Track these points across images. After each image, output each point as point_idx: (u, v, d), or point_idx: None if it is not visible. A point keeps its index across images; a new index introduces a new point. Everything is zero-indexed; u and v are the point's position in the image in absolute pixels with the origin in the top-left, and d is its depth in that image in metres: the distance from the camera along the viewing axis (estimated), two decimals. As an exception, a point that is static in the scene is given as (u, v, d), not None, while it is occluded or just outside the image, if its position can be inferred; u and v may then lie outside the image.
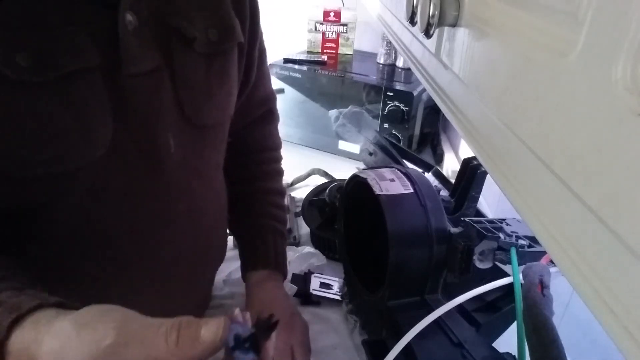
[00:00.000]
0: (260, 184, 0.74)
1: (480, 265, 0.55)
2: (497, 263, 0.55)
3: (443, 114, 0.45)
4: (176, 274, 0.57)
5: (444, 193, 0.81)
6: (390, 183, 0.63)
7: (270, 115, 0.76)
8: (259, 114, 0.73)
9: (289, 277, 0.77)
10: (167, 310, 0.36)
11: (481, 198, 0.78)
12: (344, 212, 0.77)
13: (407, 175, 0.65)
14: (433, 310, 0.53)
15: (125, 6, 0.42)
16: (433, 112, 1.28)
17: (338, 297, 0.76)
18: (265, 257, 0.69)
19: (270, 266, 0.69)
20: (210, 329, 0.31)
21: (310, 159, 1.23)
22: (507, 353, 0.54)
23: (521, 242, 0.53)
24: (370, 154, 1.04)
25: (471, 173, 0.73)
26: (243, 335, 0.33)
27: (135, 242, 0.50)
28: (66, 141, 0.41)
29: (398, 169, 0.68)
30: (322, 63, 1.34)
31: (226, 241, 0.75)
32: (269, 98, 0.74)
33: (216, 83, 0.54)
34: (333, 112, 1.27)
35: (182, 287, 0.60)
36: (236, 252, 0.90)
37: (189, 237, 0.57)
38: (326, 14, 1.42)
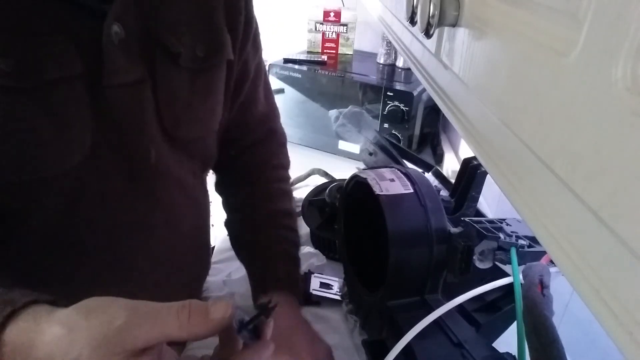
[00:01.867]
0: (267, 205, 0.69)
1: (480, 265, 0.55)
2: (497, 263, 0.55)
3: (443, 114, 0.45)
4: (153, 281, 0.57)
5: (444, 193, 0.81)
6: (390, 183, 0.63)
7: (273, 134, 0.73)
8: (261, 133, 0.71)
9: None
10: None
11: (481, 198, 0.78)
12: (344, 212, 0.77)
13: (407, 175, 0.65)
14: (433, 310, 0.53)
15: (112, 17, 0.42)
16: (433, 112, 1.28)
17: (338, 297, 0.76)
18: (276, 281, 0.63)
19: (284, 290, 0.63)
20: (219, 308, 0.32)
21: (310, 159, 1.23)
22: (507, 353, 0.54)
23: (521, 242, 0.53)
24: (370, 154, 1.04)
25: (471, 173, 0.73)
26: (246, 318, 0.36)
27: (110, 250, 0.51)
28: (44, 147, 0.41)
29: (398, 169, 0.68)
30: (322, 63, 1.34)
31: (208, 252, 0.74)
32: (269, 116, 0.72)
33: (199, 98, 0.53)
34: (333, 112, 1.27)
35: (160, 295, 0.59)
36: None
37: (167, 246, 0.57)
38: (326, 14, 1.42)
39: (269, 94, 0.70)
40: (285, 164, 0.75)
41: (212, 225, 0.73)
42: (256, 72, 0.64)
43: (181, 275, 0.65)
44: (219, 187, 0.74)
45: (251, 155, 0.70)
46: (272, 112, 0.72)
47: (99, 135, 0.45)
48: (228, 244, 0.92)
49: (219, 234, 0.98)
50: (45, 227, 0.46)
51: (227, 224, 0.72)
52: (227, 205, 0.73)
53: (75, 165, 0.44)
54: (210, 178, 0.69)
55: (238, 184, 0.70)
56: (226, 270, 0.84)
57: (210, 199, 0.70)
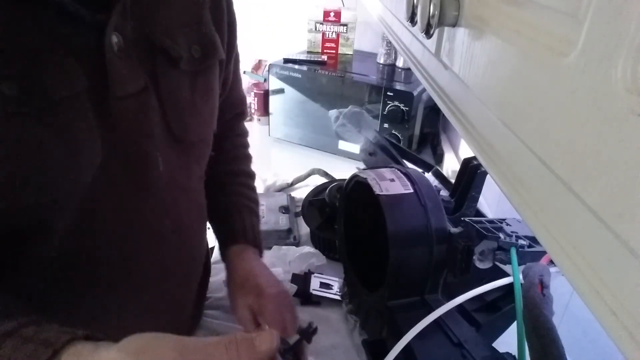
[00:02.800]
0: (230, 167, 0.75)
1: (480, 265, 0.55)
2: (497, 263, 0.55)
3: (443, 114, 0.45)
4: (164, 290, 0.57)
5: (444, 193, 0.81)
6: (390, 183, 0.63)
7: (241, 115, 0.78)
8: (232, 115, 0.75)
9: (289, 277, 0.77)
10: (158, 326, 0.36)
11: (481, 198, 0.78)
12: (344, 212, 0.77)
13: (407, 175, 0.65)
14: (433, 310, 0.53)
15: (111, 27, 0.41)
16: (433, 112, 1.28)
17: (338, 297, 0.76)
18: (242, 231, 0.69)
19: (248, 240, 0.69)
20: (265, 340, 0.34)
21: (310, 159, 1.23)
22: (507, 353, 0.54)
23: (521, 242, 0.53)
24: (370, 154, 1.04)
25: (471, 173, 0.73)
26: (286, 345, 0.38)
27: (123, 261, 0.50)
28: (55, 169, 0.40)
29: (398, 169, 0.68)
30: (322, 63, 1.34)
31: (208, 255, 0.75)
32: (242, 101, 0.76)
33: (201, 99, 0.54)
34: (333, 112, 1.27)
35: (170, 302, 0.60)
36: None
37: (175, 252, 0.57)
38: (326, 14, 1.42)
39: (241, 80, 0.75)
40: (244, 132, 0.80)
41: (209, 228, 0.73)
42: (235, 62, 0.67)
43: (190, 281, 0.65)
44: None
45: (220, 129, 0.71)
46: (244, 97, 0.77)
47: (108, 150, 0.44)
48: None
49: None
50: (59, 246, 0.45)
51: None
52: None
53: (86, 183, 0.43)
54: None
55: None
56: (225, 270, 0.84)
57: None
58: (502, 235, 0.54)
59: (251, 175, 0.78)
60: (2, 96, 0.36)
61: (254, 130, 1.47)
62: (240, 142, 0.79)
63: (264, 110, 1.46)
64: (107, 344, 0.33)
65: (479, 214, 0.79)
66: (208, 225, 0.73)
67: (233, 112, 0.74)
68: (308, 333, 0.42)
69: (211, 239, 1.03)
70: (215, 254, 0.92)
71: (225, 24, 0.58)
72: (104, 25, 0.41)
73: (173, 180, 0.53)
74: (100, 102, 0.42)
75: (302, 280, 0.76)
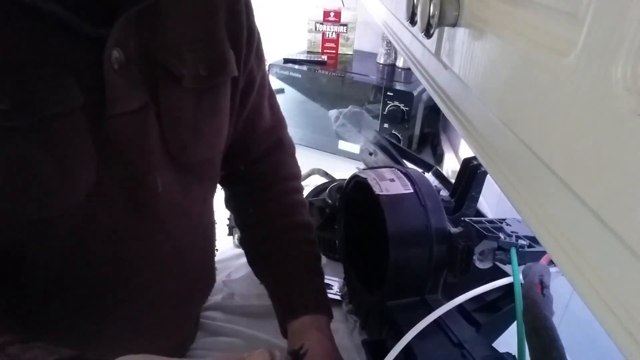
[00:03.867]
0: (282, 221, 0.66)
1: (480, 265, 0.55)
2: (497, 263, 0.55)
3: (443, 114, 0.45)
4: (161, 312, 0.56)
5: (444, 193, 0.81)
6: (390, 183, 0.63)
7: (281, 145, 0.70)
8: (269, 144, 0.68)
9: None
10: (154, 346, 0.35)
11: (481, 198, 0.78)
12: (344, 212, 0.77)
13: (407, 175, 0.65)
14: (433, 310, 0.53)
15: (112, 43, 0.40)
16: (433, 112, 1.28)
17: (338, 297, 0.76)
18: (302, 301, 0.59)
19: (311, 309, 0.59)
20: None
21: (310, 159, 1.23)
22: (507, 353, 0.54)
23: (521, 242, 0.53)
24: (370, 154, 1.04)
25: (471, 173, 0.73)
26: None
27: (119, 283, 0.49)
28: (47, 186, 0.39)
29: (398, 169, 0.68)
30: (322, 63, 1.34)
31: (213, 274, 0.71)
32: (276, 127, 0.69)
33: (205, 119, 0.51)
34: (333, 112, 1.27)
35: (168, 324, 0.58)
36: (236, 252, 0.90)
37: (174, 276, 0.55)
38: (326, 14, 1.42)
39: (274, 103, 0.68)
40: (296, 174, 0.72)
41: (217, 249, 0.70)
42: (261, 83, 0.62)
43: (191, 305, 0.64)
44: (229, 203, 0.71)
45: (261, 167, 0.67)
46: (279, 123, 0.69)
47: (103, 169, 0.43)
48: (227, 244, 0.93)
49: (218, 235, 0.98)
50: (52, 266, 0.44)
51: (242, 241, 0.70)
52: (240, 223, 0.70)
53: (80, 203, 0.42)
54: (219, 194, 0.66)
55: (249, 199, 0.67)
56: (226, 270, 0.84)
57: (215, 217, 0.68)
58: (502, 235, 0.54)
59: (308, 226, 0.68)
60: None
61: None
62: (290, 186, 0.70)
63: (264, 110, 1.46)
64: None
65: (479, 214, 0.79)
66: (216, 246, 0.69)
67: (270, 138, 0.67)
68: (299, 355, 0.41)
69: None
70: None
71: (244, 37, 0.54)
72: (104, 40, 0.39)
73: (173, 202, 0.50)
74: (97, 119, 0.41)
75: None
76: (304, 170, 1.14)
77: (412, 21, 0.36)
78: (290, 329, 0.59)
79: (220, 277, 0.82)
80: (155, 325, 0.55)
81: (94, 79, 0.40)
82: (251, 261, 0.69)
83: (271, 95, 0.66)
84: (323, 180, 1.09)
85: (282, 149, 0.70)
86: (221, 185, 0.68)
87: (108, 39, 0.39)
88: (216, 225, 0.68)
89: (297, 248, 0.64)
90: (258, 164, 0.67)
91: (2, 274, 0.42)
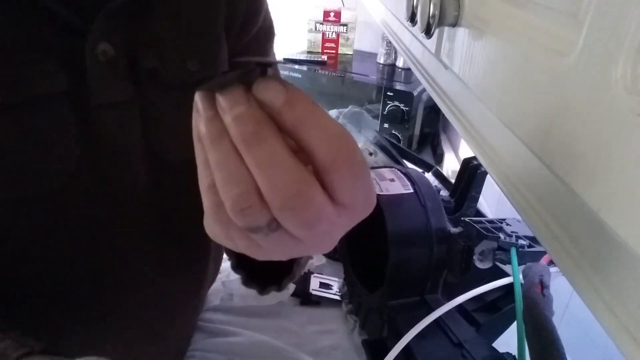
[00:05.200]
0: None
1: (480, 265, 0.55)
2: (497, 263, 0.55)
3: (443, 114, 0.45)
4: (140, 322, 0.53)
5: (444, 193, 0.81)
6: (390, 183, 0.63)
7: None
8: None
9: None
10: (138, 351, 0.34)
11: (481, 198, 0.78)
12: (344, 212, 0.77)
13: (407, 175, 0.65)
14: (433, 310, 0.53)
15: (97, 35, 0.40)
16: (433, 112, 1.28)
17: (338, 297, 0.76)
18: None
19: None
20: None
21: (310, 159, 1.23)
22: (507, 353, 0.54)
23: (521, 242, 0.53)
24: (370, 154, 1.04)
25: (471, 173, 0.73)
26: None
27: (92, 278, 0.48)
28: (26, 166, 0.39)
29: (398, 169, 0.68)
30: (322, 63, 1.34)
31: (203, 284, 0.67)
32: None
33: (188, 118, 0.49)
34: (333, 112, 1.27)
35: (148, 327, 0.55)
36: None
37: (155, 278, 0.52)
38: (326, 14, 1.42)
39: None
40: None
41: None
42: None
43: (176, 318, 0.61)
44: None
45: None
46: None
47: (84, 158, 0.42)
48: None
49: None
50: (24, 252, 0.43)
51: None
52: None
53: (57, 187, 0.41)
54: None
55: None
56: (224, 271, 0.84)
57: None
58: (502, 235, 0.54)
59: None
60: None
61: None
62: None
63: (264, 110, 1.46)
64: None
65: (479, 214, 0.79)
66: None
67: None
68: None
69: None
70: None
71: (238, 27, 0.52)
72: (89, 33, 0.40)
73: (153, 201, 0.49)
74: (80, 109, 0.41)
75: (301, 280, 0.76)
76: (304, 170, 1.14)
77: (412, 21, 0.36)
78: None
79: (219, 277, 0.82)
80: (129, 334, 0.53)
81: (80, 69, 0.40)
82: None
83: None
84: (323, 180, 1.09)
85: None
86: None
87: (91, 30, 0.40)
88: None
89: None
90: None
91: None
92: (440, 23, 0.30)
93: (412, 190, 0.62)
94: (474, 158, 0.73)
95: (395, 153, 0.98)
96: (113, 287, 0.49)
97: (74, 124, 0.41)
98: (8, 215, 0.41)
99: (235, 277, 0.80)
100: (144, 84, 0.44)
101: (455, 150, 1.27)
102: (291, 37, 1.53)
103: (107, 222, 0.46)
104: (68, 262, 0.45)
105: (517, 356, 0.44)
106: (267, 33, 0.57)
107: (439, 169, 0.96)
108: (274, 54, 0.60)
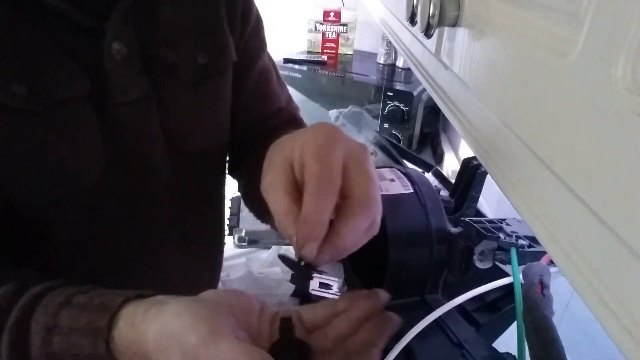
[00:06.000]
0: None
1: (480, 265, 0.55)
2: (497, 263, 0.55)
3: (443, 114, 0.45)
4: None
5: (444, 193, 0.81)
6: (390, 183, 0.63)
7: (295, 120, 0.66)
8: (279, 120, 0.63)
9: (289, 277, 0.77)
10: None
11: (481, 198, 0.78)
12: (344, 212, 0.77)
13: (407, 175, 0.65)
14: (433, 310, 0.53)
15: (112, 35, 0.42)
16: (433, 112, 1.28)
17: (337, 297, 0.76)
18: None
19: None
20: None
21: (310, 159, 1.23)
22: (507, 353, 0.54)
23: (521, 242, 0.53)
24: (371, 154, 1.04)
25: (471, 173, 0.73)
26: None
27: (126, 269, 0.50)
28: (60, 168, 0.42)
29: (398, 169, 0.68)
30: (322, 63, 1.34)
31: (219, 268, 0.70)
32: (289, 108, 0.65)
33: (205, 108, 0.51)
34: (333, 112, 1.27)
35: None
36: (235, 252, 0.90)
37: (180, 264, 0.56)
38: (326, 14, 1.42)
39: (283, 88, 0.65)
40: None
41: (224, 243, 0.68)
42: (264, 69, 0.60)
43: (193, 271, 0.62)
44: (233, 172, 0.67)
45: (272, 133, 0.63)
46: (290, 104, 0.66)
47: (110, 155, 0.44)
48: (227, 244, 0.93)
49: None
50: (61, 249, 0.46)
51: (244, 196, 0.64)
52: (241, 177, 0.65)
53: (90, 186, 0.44)
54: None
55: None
56: (225, 270, 0.84)
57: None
58: (502, 235, 0.53)
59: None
60: (14, 95, 0.37)
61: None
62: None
63: (264, 110, 1.46)
64: (158, 302, 0.32)
65: (479, 214, 0.79)
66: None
67: (278, 119, 0.63)
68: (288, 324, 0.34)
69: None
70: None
71: (239, 19, 0.54)
72: (105, 32, 0.41)
73: (178, 191, 0.51)
74: (101, 108, 0.43)
75: (301, 280, 0.76)
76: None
77: (412, 21, 0.36)
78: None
79: (224, 273, 0.82)
80: None
81: (99, 70, 0.42)
82: (244, 193, 0.63)
83: (278, 83, 0.64)
84: (323, 180, 1.09)
85: (297, 124, 0.66)
86: (231, 172, 0.65)
87: (106, 30, 0.41)
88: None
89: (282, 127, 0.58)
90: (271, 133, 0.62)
91: (25, 254, 0.44)
92: (440, 23, 0.30)
93: (412, 190, 0.62)
94: (474, 158, 0.73)
95: (395, 153, 0.98)
96: (142, 275, 0.52)
97: (97, 124, 0.43)
98: (48, 215, 0.43)
99: (235, 276, 0.81)
100: (159, 80, 0.46)
101: (455, 150, 1.27)
102: (291, 37, 1.53)
103: (135, 216, 0.49)
104: (103, 254, 0.48)
105: (517, 356, 0.44)
106: (259, 20, 0.59)
107: (439, 169, 0.96)
108: (265, 39, 0.61)
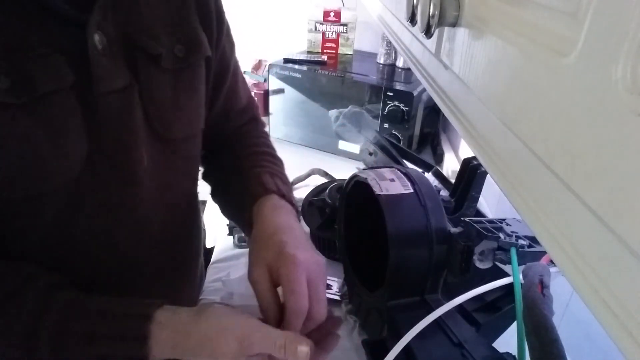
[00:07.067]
0: (249, 153, 0.67)
1: (480, 265, 0.55)
2: (497, 263, 0.55)
3: (443, 114, 0.45)
4: (153, 290, 0.58)
5: (444, 193, 0.81)
6: (390, 183, 0.63)
7: (255, 121, 0.73)
8: (244, 121, 0.71)
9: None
10: None
11: (481, 198, 0.78)
12: (344, 212, 0.77)
13: (407, 175, 0.65)
14: (433, 310, 0.53)
15: (94, 26, 0.43)
16: (433, 112, 1.28)
17: (338, 297, 0.76)
18: (264, 189, 0.56)
19: (280, 193, 0.57)
20: (304, 348, 0.41)
21: (310, 159, 1.23)
22: (507, 353, 0.54)
23: (521, 242, 0.53)
24: (370, 154, 1.04)
25: (471, 173, 0.73)
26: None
27: (112, 256, 0.52)
28: (44, 161, 0.42)
29: (398, 169, 0.68)
30: (322, 63, 1.34)
31: (201, 254, 0.74)
32: (250, 107, 0.72)
33: (184, 97, 0.54)
34: (333, 112, 1.27)
35: (158, 279, 0.60)
36: (235, 252, 0.90)
37: (164, 248, 0.58)
38: (326, 14, 1.42)
39: (246, 86, 0.72)
40: (271, 145, 0.71)
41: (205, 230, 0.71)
42: (235, 67, 0.66)
43: (182, 283, 0.67)
44: (206, 176, 0.72)
45: (237, 136, 0.70)
46: (252, 103, 0.73)
47: (93, 144, 0.45)
48: (227, 244, 0.93)
49: (218, 235, 0.98)
50: (47, 239, 0.47)
51: (212, 191, 0.69)
52: (211, 178, 0.70)
53: (73, 178, 0.45)
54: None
55: (224, 160, 0.69)
56: (225, 270, 0.84)
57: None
58: (502, 235, 0.54)
59: (273, 155, 0.67)
60: None
61: (254, 130, 1.47)
62: (264, 142, 0.70)
63: (264, 110, 1.46)
64: (177, 310, 0.43)
65: (479, 214, 0.79)
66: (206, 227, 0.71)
67: (244, 117, 0.71)
68: None
69: (212, 240, 1.03)
70: (215, 254, 0.92)
71: (214, 21, 0.57)
72: (87, 23, 0.42)
73: (159, 177, 0.54)
74: (86, 98, 0.44)
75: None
76: (304, 171, 1.15)
77: (412, 21, 0.36)
78: (259, 205, 0.54)
79: (219, 276, 0.82)
80: (143, 280, 0.58)
81: (82, 61, 0.43)
82: (214, 192, 0.68)
83: (243, 80, 0.71)
84: (323, 180, 1.09)
85: (257, 124, 0.73)
86: (202, 164, 0.70)
87: (89, 22, 0.42)
88: (215, 225, 0.66)
89: (259, 160, 0.63)
90: (236, 133, 0.70)
91: (4, 249, 0.46)
92: (440, 23, 0.30)
93: (412, 190, 0.62)
94: (474, 158, 0.73)
95: (395, 153, 0.98)
96: (128, 260, 0.54)
97: (81, 114, 0.44)
98: (30, 210, 0.45)
99: (235, 276, 0.81)
100: (141, 70, 0.48)
101: (455, 150, 1.27)
102: (291, 37, 1.53)
103: (119, 201, 0.50)
104: (88, 242, 0.50)
105: (517, 356, 0.44)
106: (228, 24, 0.63)
107: (439, 169, 0.96)
108: (234, 41, 0.66)
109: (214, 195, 0.68)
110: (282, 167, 0.66)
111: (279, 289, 0.46)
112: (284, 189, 0.58)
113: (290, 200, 0.57)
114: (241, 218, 0.58)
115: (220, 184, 0.68)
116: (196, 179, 0.65)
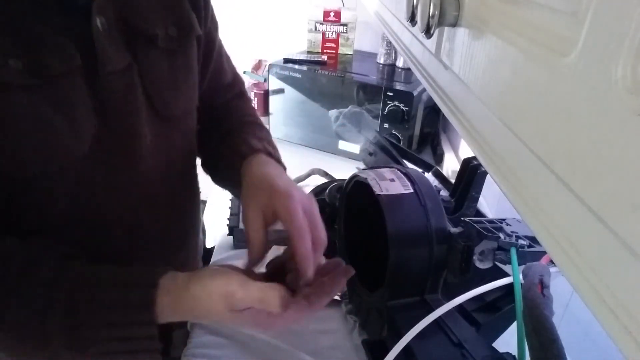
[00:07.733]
0: (237, 125, 0.70)
1: (480, 265, 0.55)
2: (497, 263, 0.55)
3: (443, 114, 0.45)
4: (164, 253, 0.63)
5: (444, 193, 0.81)
6: (390, 183, 0.63)
7: (241, 95, 0.77)
8: (230, 96, 0.75)
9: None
10: None
11: (481, 198, 0.78)
12: (344, 212, 0.77)
13: (407, 175, 0.65)
14: (433, 310, 0.53)
15: (96, 11, 0.46)
16: (433, 112, 1.28)
17: (338, 297, 0.76)
18: (258, 144, 0.60)
19: (267, 152, 0.60)
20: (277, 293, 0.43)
21: (310, 159, 1.23)
22: (507, 353, 0.54)
23: (521, 242, 0.53)
24: (370, 154, 1.04)
25: (471, 173, 0.73)
26: None
27: (118, 229, 0.55)
28: (56, 139, 0.45)
29: (398, 169, 0.68)
30: (322, 63, 1.34)
31: (199, 226, 0.77)
32: (236, 82, 0.76)
33: (181, 76, 0.58)
34: (333, 112, 1.27)
35: (163, 243, 0.64)
36: (235, 252, 0.90)
37: (172, 215, 0.63)
38: (326, 14, 1.42)
39: (231, 64, 0.75)
40: (259, 119, 0.74)
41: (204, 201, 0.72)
42: (219, 44, 0.70)
43: (188, 249, 0.72)
44: (197, 149, 0.73)
45: (226, 111, 0.74)
46: (237, 79, 0.76)
47: (100, 123, 0.48)
48: (227, 243, 0.93)
49: (218, 234, 0.98)
50: (62, 212, 0.50)
51: (203, 163, 0.72)
52: (201, 149, 0.73)
53: (84, 154, 0.48)
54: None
55: (213, 133, 0.72)
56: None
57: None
58: (502, 235, 0.54)
59: (261, 125, 0.70)
60: (9, 70, 0.41)
61: (254, 130, 1.47)
62: (248, 113, 0.74)
63: (264, 110, 1.46)
64: (176, 276, 0.45)
65: (479, 214, 0.79)
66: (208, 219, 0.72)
67: (231, 91, 0.75)
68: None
69: (212, 239, 1.03)
70: (216, 253, 0.92)
71: (201, 3, 0.61)
72: (90, 8, 0.46)
73: (161, 152, 0.57)
74: (92, 79, 0.47)
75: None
76: (304, 170, 1.15)
77: (412, 21, 0.36)
78: (245, 164, 0.57)
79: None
80: (149, 245, 0.61)
81: (86, 44, 0.46)
82: (205, 160, 0.72)
83: (227, 56, 0.74)
84: (323, 180, 1.09)
85: (244, 98, 0.78)
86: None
87: (92, 7, 0.45)
88: (215, 225, 0.67)
89: (246, 127, 0.68)
90: (225, 107, 0.74)
91: (17, 223, 0.48)
92: (440, 23, 0.30)
93: (412, 190, 0.62)
94: (474, 158, 0.73)
95: (395, 153, 0.98)
96: (136, 228, 0.57)
97: (88, 94, 0.47)
98: (45, 186, 0.47)
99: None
100: (140, 51, 0.52)
101: (455, 150, 1.27)
102: (291, 37, 1.53)
103: (129, 173, 0.54)
104: (99, 213, 0.53)
105: (517, 356, 0.44)
106: (211, 5, 0.66)
107: (439, 169, 0.96)
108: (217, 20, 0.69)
109: (205, 165, 0.71)
110: (269, 135, 0.69)
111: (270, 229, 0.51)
112: (271, 149, 0.61)
113: (277, 158, 0.61)
114: (231, 179, 0.62)
115: (210, 154, 0.71)
116: (194, 152, 0.69)
